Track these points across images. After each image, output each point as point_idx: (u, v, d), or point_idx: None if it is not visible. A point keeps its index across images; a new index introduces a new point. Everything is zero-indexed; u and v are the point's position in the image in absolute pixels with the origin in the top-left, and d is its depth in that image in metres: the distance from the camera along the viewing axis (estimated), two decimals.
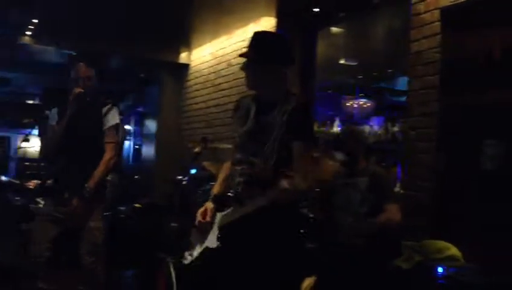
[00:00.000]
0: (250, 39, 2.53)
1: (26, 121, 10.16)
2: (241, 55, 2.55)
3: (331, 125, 7.22)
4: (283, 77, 2.53)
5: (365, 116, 7.78)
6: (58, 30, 6.27)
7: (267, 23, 5.87)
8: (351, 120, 7.94)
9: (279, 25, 5.71)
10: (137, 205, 6.83)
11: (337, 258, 3.39)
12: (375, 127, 7.22)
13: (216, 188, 2.66)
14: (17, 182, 4.48)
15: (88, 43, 6.73)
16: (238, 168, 2.51)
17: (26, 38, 6.23)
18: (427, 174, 3.61)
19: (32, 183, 4.80)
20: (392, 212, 3.32)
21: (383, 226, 3.27)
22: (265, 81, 2.48)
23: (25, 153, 7.56)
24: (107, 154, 3.59)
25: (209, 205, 2.60)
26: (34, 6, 5.61)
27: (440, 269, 2.74)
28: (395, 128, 6.35)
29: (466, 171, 3.28)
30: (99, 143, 3.61)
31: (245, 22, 6.18)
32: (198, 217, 2.60)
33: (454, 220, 3.27)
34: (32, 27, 6.00)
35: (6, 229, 4.52)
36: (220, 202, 2.60)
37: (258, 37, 2.56)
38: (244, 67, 2.54)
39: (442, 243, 2.99)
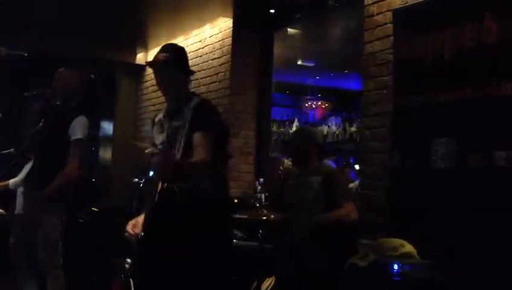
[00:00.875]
0: (161, 49, 2.80)
1: None
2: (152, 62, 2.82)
3: (290, 126, 7.30)
4: (186, 85, 2.81)
5: (323, 117, 7.90)
6: (10, 30, 6.08)
7: (224, 23, 5.85)
8: (309, 120, 8.03)
9: (235, 25, 5.70)
10: (94, 209, 6.71)
11: (294, 257, 3.41)
12: (333, 127, 7.34)
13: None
14: None
15: (40, 44, 6.56)
16: None
17: None
18: (381, 173, 3.67)
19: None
20: (348, 209, 3.38)
21: (337, 220, 3.32)
22: (172, 86, 2.74)
23: None
24: (68, 167, 3.59)
25: (141, 218, 2.69)
26: None
27: (395, 266, 2.78)
28: (353, 129, 6.48)
29: (419, 170, 3.35)
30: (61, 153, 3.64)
31: (202, 22, 6.16)
32: (129, 228, 2.70)
33: (409, 218, 3.34)
34: None
35: None
36: None
37: (169, 47, 2.86)
38: (157, 71, 2.79)
39: (397, 241, 3.04)
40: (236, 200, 4.63)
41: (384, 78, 3.77)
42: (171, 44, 2.97)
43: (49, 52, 6.74)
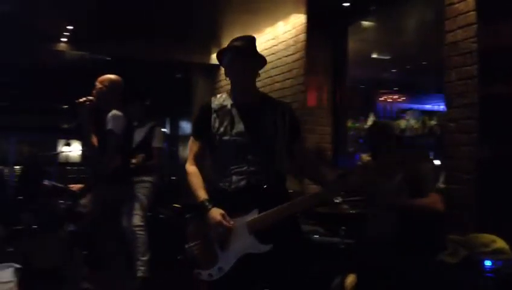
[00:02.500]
0: (244, 37, 2.70)
1: (65, 126, 10.38)
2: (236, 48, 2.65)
3: (365, 121, 7.16)
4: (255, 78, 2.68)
5: (400, 111, 7.68)
6: (91, 36, 6.39)
7: (297, 20, 5.85)
8: (385, 115, 7.85)
9: (309, 21, 5.68)
10: (176, 205, 6.93)
11: (377, 253, 3.37)
12: (411, 121, 7.12)
13: (203, 194, 2.52)
14: (61, 185, 4.62)
15: (120, 48, 6.85)
16: (239, 170, 2.50)
17: (61, 45, 6.37)
18: (469, 166, 3.54)
19: (75, 187, 4.94)
20: (433, 199, 3.30)
21: (422, 208, 3.24)
22: (251, 76, 2.63)
23: (66, 157, 7.81)
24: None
25: (218, 210, 2.45)
26: (66, 13, 5.74)
27: (488, 263, 2.68)
28: (432, 122, 6.25)
29: (509, 161, 3.21)
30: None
31: (275, 19, 6.18)
32: (223, 222, 2.42)
33: (499, 212, 3.20)
34: (67, 34, 6.13)
35: (51, 231, 4.66)
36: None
37: (248, 39, 2.72)
38: (237, 57, 2.61)
39: (488, 236, 2.93)
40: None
41: (468, 67, 3.64)
42: (246, 35, 2.77)
43: (129, 56, 7.02)
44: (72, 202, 4.31)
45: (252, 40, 2.69)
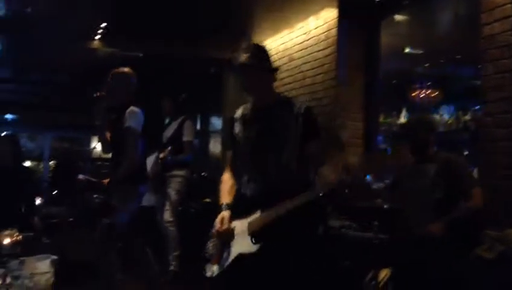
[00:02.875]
0: (246, 48, 2.67)
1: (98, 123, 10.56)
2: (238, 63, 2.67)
3: (398, 116, 7.07)
4: (271, 83, 2.70)
5: (433, 106, 7.56)
6: (124, 33, 6.48)
7: (328, 14, 5.81)
8: (418, 110, 7.74)
9: (341, 16, 5.64)
10: (206, 200, 6.99)
11: (411, 248, 3.33)
12: (445, 116, 7.00)
13: (225, 198, 2.68)
14: (95, 180, 4.69)
15: (152, 45, 6.93)
16: (253, 175, 2.59)
17: (95, 42, 6.48)
18: (507, 162, 3.47)
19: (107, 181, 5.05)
20: (478, 196, 3.27)
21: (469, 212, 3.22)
22: (260, 85, 2.64)
23: (100, 153, 7.95)
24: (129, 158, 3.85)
25: (225, 213, 2.60)
26: (100, 11, 5.84)
27: None
28: (467, 117, 6.14)
29: None
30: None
31: (306, 14, 6.15)
32: (217, 226, 2.60)
33: None
34: (102, 31, 6.23)
35: (86, 224, 4.75)
36: (237, 210, 2.60)
37: (254, 46, 2.73)
38: (241, 71, 2.67)
39: None
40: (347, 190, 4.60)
41: (506, 60, 3.57)
42: (252, 44, 2.80)
43: (161, 52, 7.10)
44: (107, 196, 4.38)
45: (254, 50, 2.68)
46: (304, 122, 2.56)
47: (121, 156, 3.91)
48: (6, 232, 4.55)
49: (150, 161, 6.15)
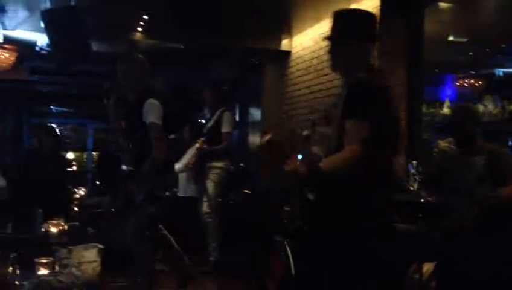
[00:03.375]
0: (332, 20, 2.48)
1: None
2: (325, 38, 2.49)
3: (441, 106, 6.93)
4: (366, 56, 2.45)
5: (477, 95, 7.38)
6: (165, 25, 6.53)
7: (370, 3, 5.69)
8: (462, 100, 7.57)
9: (383, 3, 5.52)
10: (246, 191, 7.02)
11: (459, 242, 3.27)
12: (490, 106, 6.83)
13: None
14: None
15: (192, 36, 6.96)
16: None
17: (138, 34, 6.57)
18: None
19: None
20: None
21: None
22: (348, 62, 2.42)
23: None
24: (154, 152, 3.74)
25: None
26: (143, 3, 5.90)
27: None
28: None
29: None
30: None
31: (347, 3, 6.04)
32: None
33: None
34: (144, 23, 6.30)
35: (129, 214, 4.84)
36: None
37: (338, 15, 2.52)
38: (329, 50, 2.47)
39: None
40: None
41: None
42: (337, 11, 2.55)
43: (201, 44, 7.13)
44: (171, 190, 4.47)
45: (337, 17, 2.49)
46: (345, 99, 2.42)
47: (143, 149, 3.81)
48: (53, 221, 4.70)
49: (190, 151, 6.23)
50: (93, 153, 11.05)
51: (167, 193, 5.13)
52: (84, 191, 6.58)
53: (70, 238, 4.42)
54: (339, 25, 2.48)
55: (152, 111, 3.72)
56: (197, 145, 5.65)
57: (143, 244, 3.94)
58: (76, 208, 5.59)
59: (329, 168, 2.27)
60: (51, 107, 11.26)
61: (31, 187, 5.47)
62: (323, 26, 6.67)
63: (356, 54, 2.42)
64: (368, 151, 2.20)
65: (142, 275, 3.95)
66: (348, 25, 2.46)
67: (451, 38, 6.77)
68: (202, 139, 5.62)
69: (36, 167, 5.66)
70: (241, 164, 8.16)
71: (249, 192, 6.99)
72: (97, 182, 8.05)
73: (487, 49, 7.42)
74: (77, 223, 5.05)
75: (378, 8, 5.54)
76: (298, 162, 2.38)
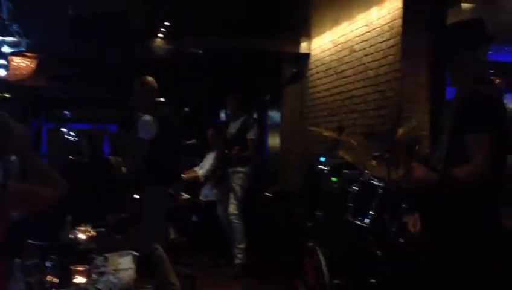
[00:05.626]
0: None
1: None
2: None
3: None
4: (470, 63, 2.39)
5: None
6: (186, 30, 6.56)
7: (392, 4, 5.69)
8: None
9: (405, 5, 5.51)
10: (267, 194, 7.04)
11: None
12: (510, 105, 6.78)
13: None
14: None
15: (209, 40, 6.98)
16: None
17: (159, 40, 6.60)
18: None
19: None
20: None
21: None
22: (460, 72, 2.41)
23: None
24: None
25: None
26: (163, 9, 5.93)
27: None
28: None
29: None
30: None
31: (367, 5, 6.05)
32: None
33: None
34: (164, 29, 6.33)
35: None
36: None
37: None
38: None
39: None
40: None
41: None
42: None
43: (220, 48, 7.15)
44: (193, 194, 4.54)
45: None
46: (459, 110, 2.39)
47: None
48: (81, 227, 4.72)
49: (210, 157, 6.27)
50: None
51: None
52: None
53: (98, 245, 4.44)
54: (447, 37, 2.51)
55: (141, 127, 4.21)
56: (234, 151, 5.68)
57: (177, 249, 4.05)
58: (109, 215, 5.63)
59: (461, 176, 2.24)
60: (67, 112, 11.33)
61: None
62: (344, 28, 6.67)
63: (466, 64, 2.41)
64: (495, 168, 2.21)
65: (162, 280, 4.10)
66: (454, 35, 2.48)
67: None
68: (238, 146, 5.66)
69: (75, 173, 5.72)
70: (261, 167, 8.18)
71: (270, 195, 7.01)
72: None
73: (506, 48, 7.37)
74: (104, 229, 5.07)
75: (401, 10, 5.53)
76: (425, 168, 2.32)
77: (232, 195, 5.70)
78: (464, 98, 2.33)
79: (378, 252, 3.33)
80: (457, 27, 2.54)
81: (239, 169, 5.72)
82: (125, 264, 3.53)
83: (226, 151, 5.69)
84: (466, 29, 2.46)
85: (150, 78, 4.43)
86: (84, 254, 3.92)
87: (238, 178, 5.71)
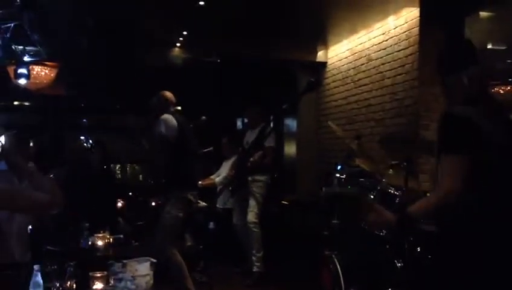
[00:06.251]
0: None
1: None
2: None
3: None
4: (454, 87, 2.35)
5: None
6: (203, 40, 6.62)
7: (410, 13, 5.70)
8: None
9: (422, 14, 5.51)
10: (284, 202, 7.04)
11: None
12: None
13: None
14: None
15: (226, 49, 7.04)
16: None
17: (176, 50, 6.67)
18: None
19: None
20: None
21: None
22: (445, 96, 2.46)
23: None
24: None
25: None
26: (182, 20, 6.00)
27: None
28: None
29: None
30: None
31: (385, 14, 6.06)
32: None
33: None
34: (181, 39, 6.40)
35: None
36: None
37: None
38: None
39: None
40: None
41: None
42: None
43: (237, 57, 7.20)
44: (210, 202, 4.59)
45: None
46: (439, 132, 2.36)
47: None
48: (99, 234, 4.77)
49: (226, 165, 6.29)
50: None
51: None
52: (122, 203, 6.67)
53: (115, 251, 4.48)
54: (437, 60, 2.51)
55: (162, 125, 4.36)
56: (252, 159, 5.69)
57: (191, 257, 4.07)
58: (121, 220, 5.68)
59: (420, 211, 2.24)
60: (85, 120, 11.44)
61: (78, 201, 5.57)
62: (361, 37, 6.67)
63: (450, 88, 2.40)
64: (464, 183, 2.10)
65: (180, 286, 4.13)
66: (438, 62, 2.49)
67: (489, 45, 6.68)
68: (260, 152, 5.68)
69: (85, 180, 5.77)
70: (276, 175, 8.18)
71: (287, 203, 7.00)
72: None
73: None
74: (121, 236, 5.11)
75: (418, 18, 5.53)
76: (382, 212, 2.36)
77: (251, 203, 5.70)
78: (439, 120, 2.29)
79: (395, 261, 3.32)
80: (440, 53, 2.52)
81: (258, 177, 5.72)
82: (143, 270, 3.55)
83: (248, 159, 5.66)
84: (448, 54, 2.46)
85: (168, 93, 4.59)
86: (102, 260, 3.95)
87: (257, 187, 5.71)
